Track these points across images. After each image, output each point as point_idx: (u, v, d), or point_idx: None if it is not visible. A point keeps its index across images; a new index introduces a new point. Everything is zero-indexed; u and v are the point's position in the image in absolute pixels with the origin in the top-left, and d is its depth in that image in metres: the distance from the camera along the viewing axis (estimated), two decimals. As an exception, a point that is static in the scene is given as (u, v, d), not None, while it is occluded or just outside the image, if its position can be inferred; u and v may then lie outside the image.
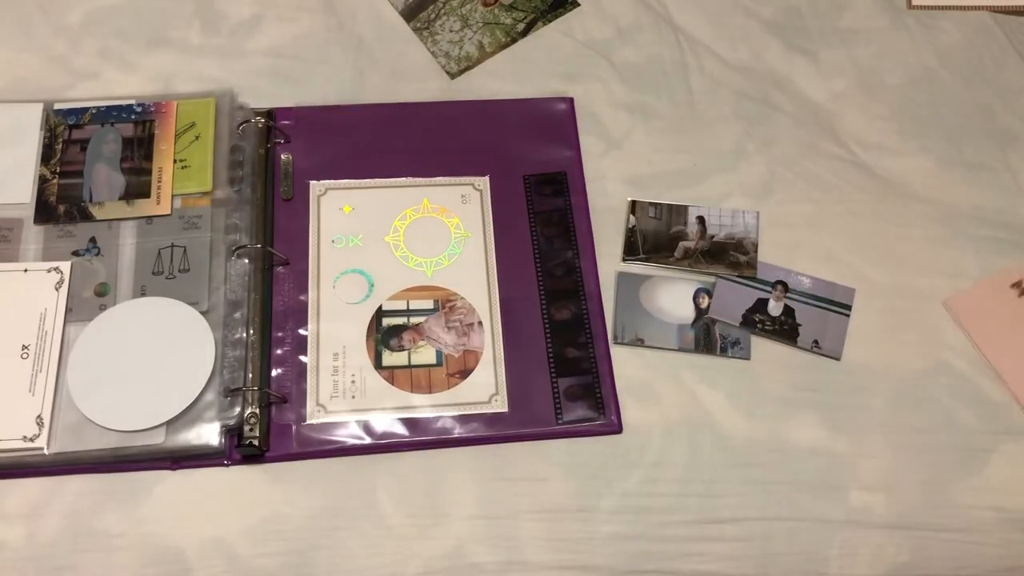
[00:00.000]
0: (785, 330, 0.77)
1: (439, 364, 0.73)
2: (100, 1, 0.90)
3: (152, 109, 0.81)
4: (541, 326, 0.75)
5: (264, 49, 0.88)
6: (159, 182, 0.78)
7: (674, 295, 0.78)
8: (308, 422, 0.70)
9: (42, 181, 0.78)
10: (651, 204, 0.82)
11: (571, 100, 0.87)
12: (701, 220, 0.82)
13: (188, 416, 0.69)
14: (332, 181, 0.81)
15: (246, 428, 0.68)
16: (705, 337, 0.76)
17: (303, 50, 0.88)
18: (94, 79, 0.85)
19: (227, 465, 0.69)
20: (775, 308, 0.78)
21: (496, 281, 0.77)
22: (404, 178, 0.81)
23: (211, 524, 0.67)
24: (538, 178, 0.82)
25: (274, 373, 0.72)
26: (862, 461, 0.72)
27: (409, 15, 0.92)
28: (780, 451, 0.72)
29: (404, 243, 0.78)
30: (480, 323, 0.75)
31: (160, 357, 0.70)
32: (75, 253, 0.75)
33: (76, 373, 0.70)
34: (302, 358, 0.73)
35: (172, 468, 0.68)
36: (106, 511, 0.67)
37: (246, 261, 0.75)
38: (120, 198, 0.77)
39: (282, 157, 0.81)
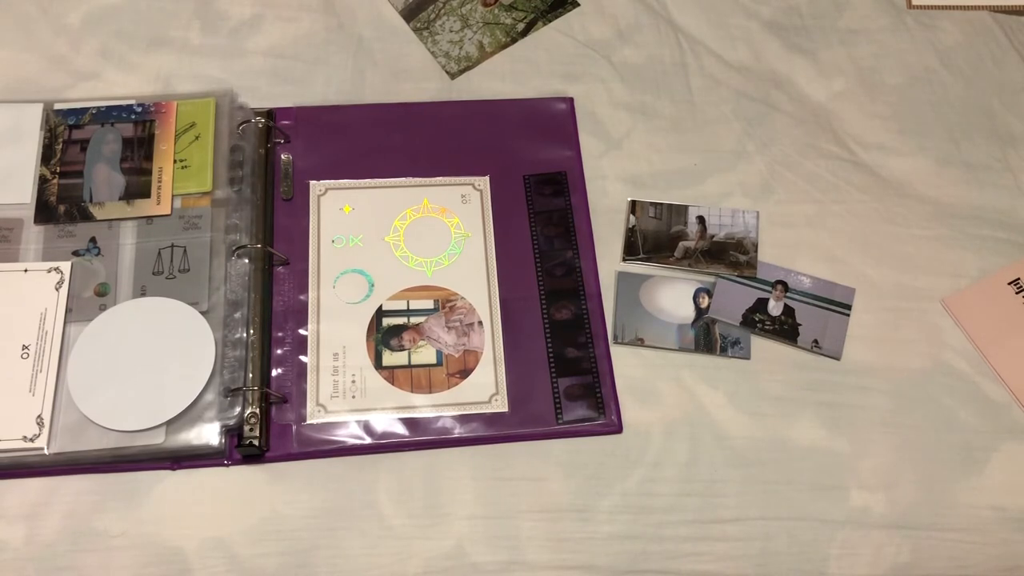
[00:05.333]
0: (785, 330, 0.77)
1: (439, 364, 0.73)
2: (100, 1, 0.90)
3: (152, 109, 0.81)
4: (541, 326, 0.75)
5: (264, 49, 0.88)
6: (159, 182, 0.78)
7: (674, 295, 0.78)
8: (308, 422, 0.70)
9: (42, 181, 0.78)
10: (651, 204, 0.82)
11: (571, 100, 0.87)
12: (701, 220, 0.82)
13: (188, 416, 0.69)
14: (332, 181, 0.81)
15: (246, 428, 0.68)
16: (705, 337, 0.76)
17: (303, 50, 0.88)
18: (94, 79, 0.85)
19: (227, 465, 0.69)
20: (775, 308, 0.78)
21: (496, 281, 0.77)
22: (404, 178, 0.81)
23: (211, 524, 0.67)
24: (538, 178, 0.82)
25: (274, 373, 0.72)
26: (862, 461, 0.72)
27: (409, 15, 0.92)
28: (780, 451, 0.72)
29: (404, 243, 0.78)
30: (480, 323, 0.75)
31: (160, 357, 0.70)
32: (75, 253, 0.75)
33: (76, 373, 0.70)
34: (302, 358, 0.73)
35: (172, 468, 0.68)
36: (106, 511, 0.67)
37: (246, 261, 0.75)
38: (120, 198, 0.77)
39: (282, 157, 0.81)
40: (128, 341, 0.71)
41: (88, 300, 0.73)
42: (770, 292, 0.78)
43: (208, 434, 0.69)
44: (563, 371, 0.74)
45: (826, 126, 0.88)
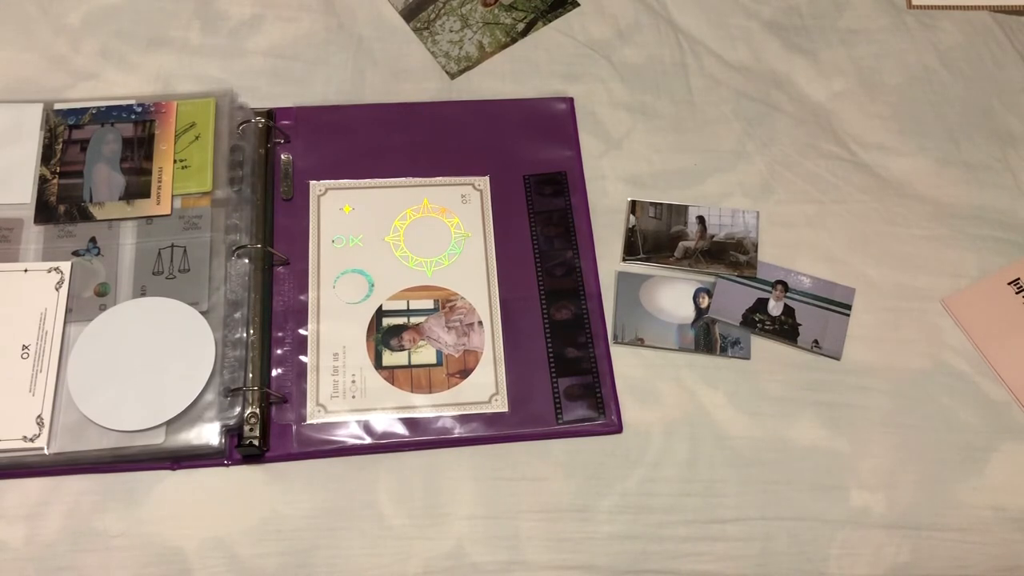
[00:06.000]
0: (785, 330, 0.77)
1: (439, 364, 0.73)
2: (100, 1, 0.90)
3: (152, 109, 0.81)
4: (541, 326, 0.75)
5: (264, 49, 0.88)
6: (159, 182, 0.78)
7: (674, 295, 0.78)
8: (308, 422, 0.70)
9: (42, 181, 0.78)
10: (651, 204, 0.82)
11: (571, 100, 0.87)
12: (701, 220, 0.82)
13: (188, 416, 0.69)
14: (332, 181, 0.81)
15: (246, 428, 0.68)
16: (705, 337, 0.76)
17: (303, 50, 0.89)
18: (94, 79, 0.85)
19: (227, 465, 0.69)
20: (775, 308, 0.78)
21: (496, 281, 0.77)
22: (404, 178, 0.81)
23: (211, 524, 0.67)
24: (538, 178, 0.82)
25: (274, 373, 0.72)
26: (862, 461, 0.72)
27: (409, 15, 0.92)
28: (780, 451, 0.72)
29: (404, 243, 0.78)
30: (480, 323, 0.75)
31: (160, 357, 0.70)
32: (75, 253, 0.75)
33: (76, 373, 0.70)
34: (302, 358, 0.73)
35: (172, 468, 0.68)
36: (106, 511, 0.67)
37: (246, 261, 0.75)
38: (120, 198, 0.77)
39: (282, 157, 0.81)
40: (128, 341, 0.71)
41: (88, 300, 0.73)
42: (770, 292, 0.78)
43: (208, 434, 0.69)
44: (563, 371, 0.74)
45: (826, 126, 0.88)
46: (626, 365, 0.75)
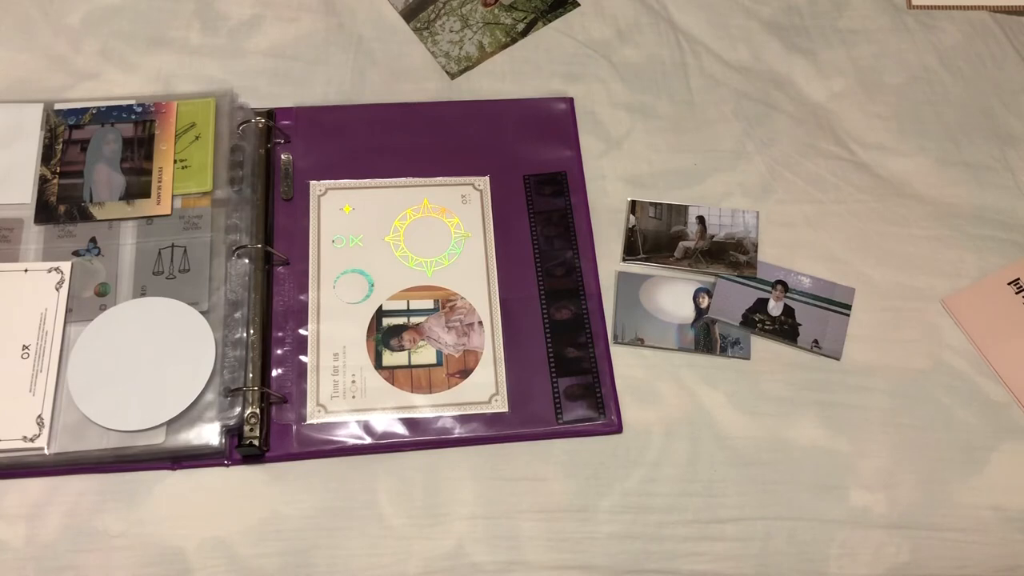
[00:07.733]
0: (785, 330, 0.77)
1: (439, 364, 0.73)
2: (100, 1, 0.90)
3: (152, 109, 0.81)
4: (541, 326, 0.75)
5: (264, 49, 0.88)
6: (159, 182, 0.78)
7: (674, 295, 0.78)
8: (308, 422, 0.70)
9: (42, 181, 0.78)
10: (651, 204, 0.82)
11: (571, 100, 0.87)
12: (701, 220, 0.82)
13: (188, 416, 0.69)
14: (332, 181, 0.81)
15: (246, 428, 0.68)
16: (705, 337, 0.76)
17: (303, 50, 0.89)
18: (94, 79, 0.85)
19: (227, 465, 0.69)
20: (775, 308, 0.78)
21: (496, 281, 0.77)
22: (404, 178, 0.81)
23: (211, 524, 0.67)
24: (538, 178, 0.82)
25: (274, 373, 0.72)
26: (862, 461, 0.72)
27: (409, 15, 0.92)
28: (780, 451, 0.72)
29: (404, 243, 0.78)
30: (480, 323, 0.75)
31: (160, 357, 0.70)
32: (75, 253, 0.75)
33: (76, 373, 0.70)
34: (302, 358, 0.73)
35: (172, 468, 0.68)
36: (106, 511, 0.67)
37: (246, 261, 0.75)
38: (120, 198, 0.77)
39: (282, 157, 0.81)
40: (128, 341, 0.71)
41: (88, 300, 0.73)
42: (770, 292, 0.78)
43: (208, 434, 0.69)
44: (563, 371, 0.74)
45: (826, 126, 0.88)
46: (626, 365, 0.75)
